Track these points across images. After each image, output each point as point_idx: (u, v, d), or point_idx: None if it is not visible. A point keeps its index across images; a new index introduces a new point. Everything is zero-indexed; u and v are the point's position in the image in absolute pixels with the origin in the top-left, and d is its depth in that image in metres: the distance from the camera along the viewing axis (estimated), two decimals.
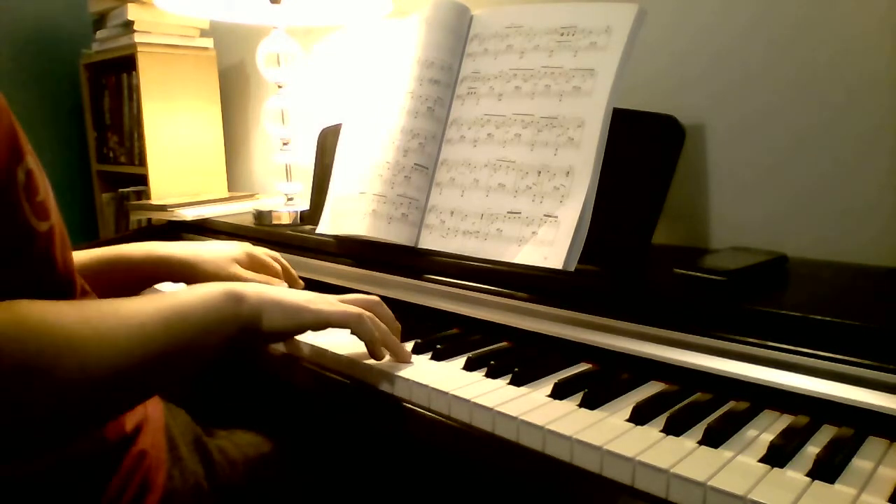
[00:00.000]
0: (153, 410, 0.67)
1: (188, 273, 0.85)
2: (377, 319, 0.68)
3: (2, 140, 0.47)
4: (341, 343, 0.73)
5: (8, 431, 0.43)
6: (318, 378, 0.72)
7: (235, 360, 0.63)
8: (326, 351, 0.73)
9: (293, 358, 0.76)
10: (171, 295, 0.57)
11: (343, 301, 0.70)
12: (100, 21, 1.87)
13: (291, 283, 0.93)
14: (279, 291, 0.65)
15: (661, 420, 0.54)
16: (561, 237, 0.74)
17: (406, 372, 0.65)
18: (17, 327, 0.43)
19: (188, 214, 1.31)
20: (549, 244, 0.74)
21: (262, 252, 0.92)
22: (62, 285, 0.54)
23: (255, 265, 0.90)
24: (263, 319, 0.62)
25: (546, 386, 0.61)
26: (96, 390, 0.48)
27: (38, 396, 0.43)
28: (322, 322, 0.66)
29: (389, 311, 0.71)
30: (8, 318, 0.43)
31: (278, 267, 0.92)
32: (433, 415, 0.61)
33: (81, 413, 0.48)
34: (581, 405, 0.58)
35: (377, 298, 0.71)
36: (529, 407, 0.57)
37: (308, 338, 0.74)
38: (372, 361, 0.68)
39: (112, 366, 0.48)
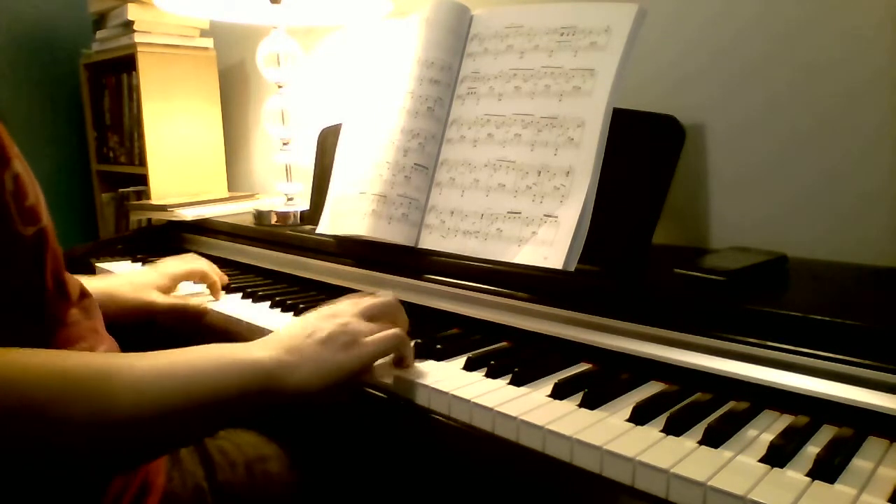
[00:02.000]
0: None
1: (105, 304, 0.82)
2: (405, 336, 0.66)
3: None
4: None
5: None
6: None
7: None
8: None
9: None
10: (192, 354, 0.54)
11: (365, 313, 0.65)
12: (100, 21, 1.87)
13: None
14: (308, 346, 0.59)
15: (661, 420, 0.54)
16: (561, 237, 0.74)
17: (406, 372, 0.65)
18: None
19: (188, 214, 1.31)
20: (549, 244, 0.74)
21: (187, 270, 0.97)
22: (52, 288, 0.54)
23: (181, 282, 0.96)
24: (302, 381, 0.57)
25: (546, 386, 0.61)
26: (91, 441, 0.47)
27: (25, 444, 0.43)
28: (369, 362, 0.63)
29: (405, 313, 0.70)
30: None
31: (214, 278, 0.97)
32: (433, 415, 0.61)
33: (75, 463, 0.47)
34: (581, 405, 0.58)
35: (395, 301, 0.68)
36: (529, 407, 0.57)
37: None
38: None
39: (103, 420, 0.47)
